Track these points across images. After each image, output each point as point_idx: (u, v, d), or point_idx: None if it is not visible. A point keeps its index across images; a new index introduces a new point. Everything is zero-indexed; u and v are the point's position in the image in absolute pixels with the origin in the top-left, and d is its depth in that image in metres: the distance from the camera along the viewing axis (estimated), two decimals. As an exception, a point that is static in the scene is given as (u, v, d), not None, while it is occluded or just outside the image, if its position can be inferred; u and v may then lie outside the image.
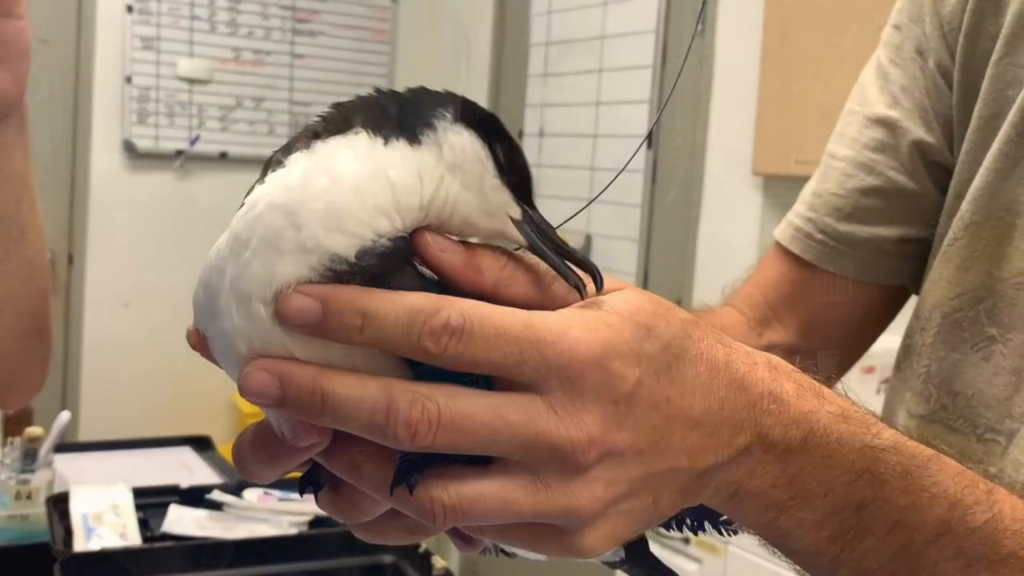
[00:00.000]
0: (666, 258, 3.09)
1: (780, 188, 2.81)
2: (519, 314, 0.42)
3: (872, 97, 0.81)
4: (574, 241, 3.40)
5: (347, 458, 0.43)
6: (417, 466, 0.42)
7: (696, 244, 2.97)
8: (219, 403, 3.85)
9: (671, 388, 0.43)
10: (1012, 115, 0.68)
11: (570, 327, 0.41)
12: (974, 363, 0.68)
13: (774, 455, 0.46)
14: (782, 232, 0.84)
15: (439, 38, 4.13)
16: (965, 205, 0.71)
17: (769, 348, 0.80)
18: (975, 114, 0.72)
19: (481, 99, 3.86)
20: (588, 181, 3.39)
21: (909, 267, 0.81)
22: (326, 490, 0.47)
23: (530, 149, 3.65)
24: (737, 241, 2.85)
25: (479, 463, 0.42)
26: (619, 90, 3.28)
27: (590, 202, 0.73)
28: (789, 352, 0.81)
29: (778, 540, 0.49)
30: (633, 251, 3.21)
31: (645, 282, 3.18)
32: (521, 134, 3.69)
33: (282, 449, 0.43)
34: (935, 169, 0.77)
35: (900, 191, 0.78)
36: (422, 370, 0.42)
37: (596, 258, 3.33)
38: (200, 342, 0.45)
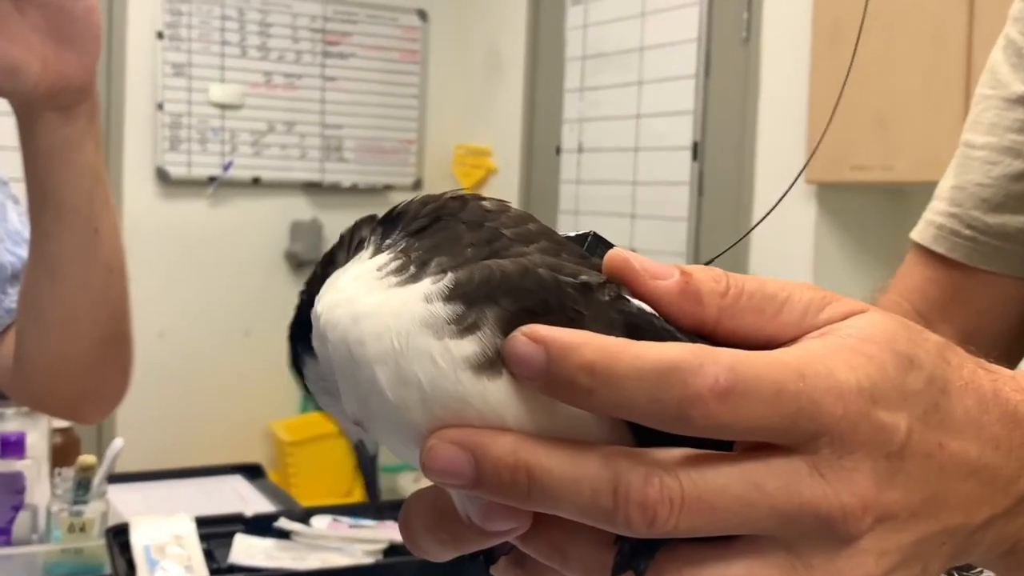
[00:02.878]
0: (715, 272, 3.01)
1: (835, 196, 2.73)
2: (787, 361, 0.33)
3: (1006, 77, 0.74)
4: (617, 257, 3.33)
5: (550, 541, 0.34)
6: (643, 547, 0.33)
7: (748, 258, 2.89)
8: (256, 431, 3.79)
9: (941, 431, 0.35)
10: None
11: (836, 367, 0.33)
12: None
13: None
14: (922, 233, 0.77)
15: (470, 56, 4.08)
16: None
17: None
18: None
19: (515, 116, 3.82)
20: (630, 195, 3.32)
21: None
22: (508, 560, 0.38)
23: (568, 165, 3.59)
24: (792, 253, 2.77)
25: (719, 538, 0.33)
26: (661, 102, 3.22)
27: (746, 233, 0.62)
28: None
29: None
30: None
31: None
32: (559, 150, 3.63)
33: (468, 532, 0.35)
34: None
35: None
36: (642, 432, 0.33)
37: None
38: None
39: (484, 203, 0.37)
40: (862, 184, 2.60)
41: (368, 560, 1.25)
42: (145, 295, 3.79)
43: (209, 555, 1.30)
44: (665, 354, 0.32)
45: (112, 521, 1.47)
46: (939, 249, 0.75)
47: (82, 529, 1.46)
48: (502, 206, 0.38)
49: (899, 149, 2.39)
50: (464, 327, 0.33)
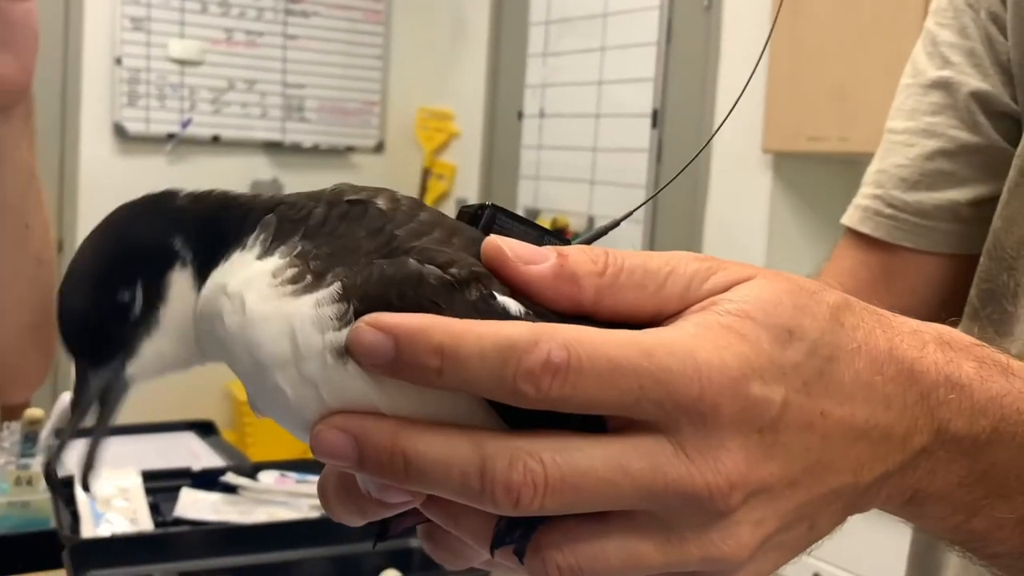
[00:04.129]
0: (672, 240, 3.03)
1: (791, 165, 2.75)
2: (636, 339, 0.34)
3: (923, 65, 0.77)
4: (577, 223, 3.34)
5: (445, 509, 0.36)
6: (522, 522, 0.35)
7: (703, 225, 2.92)
8: (215, 390, 3.78)
9: (825, 399, 0.36)
10: None
11: (698, 347, 0.34)
12: None
13: (959, 451, 0.39)
14: (850, 217, 0.79)
15: (435, 18, 4.05)
16: None
17: None
18: None
19: (478, 80, 3.81)
20: (591, 162, 3.33)
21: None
22: (423, 531, 0.40)
23: (530, 130, 3.59)
24: (747, 221, 2.80)
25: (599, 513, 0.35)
26: (622, 68, 3.22)
27: (626, 215, 0.61)
28: None
29: (972, 544, 0.42)
30: (638, 233, 3.15)
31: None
32: (520, 115, 3.63)
33: (370, 503, 0.37)
34: (999, 120, 0.73)
35: (965, 148, 0.74)
36: (518, 412, 0.35)
37: (599, 240, 3.28)
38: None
39: (379, 204, 0.38)
40: (818, 154, 2.63)
41: (314, 515, 1.26)
42: (101, 252, 3.77)
43: (155, 508, 1.31)
44: (504, 332, 0.33)
45: (61, 475, 1.47)
46: (865, 230, 0.77)
47: (29, 482, 1.45)
48: (395, 204, 0.38)
49: (855, 121, 2.41)
50: (341, 321, 0.34)
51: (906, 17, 2.29)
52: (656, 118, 3.09)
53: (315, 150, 3.93)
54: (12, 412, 1.66)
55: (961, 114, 0.73)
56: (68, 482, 1.34)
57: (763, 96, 2.67)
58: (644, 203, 0.56)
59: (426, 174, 4.05)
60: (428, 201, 3.98)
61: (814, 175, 2.77)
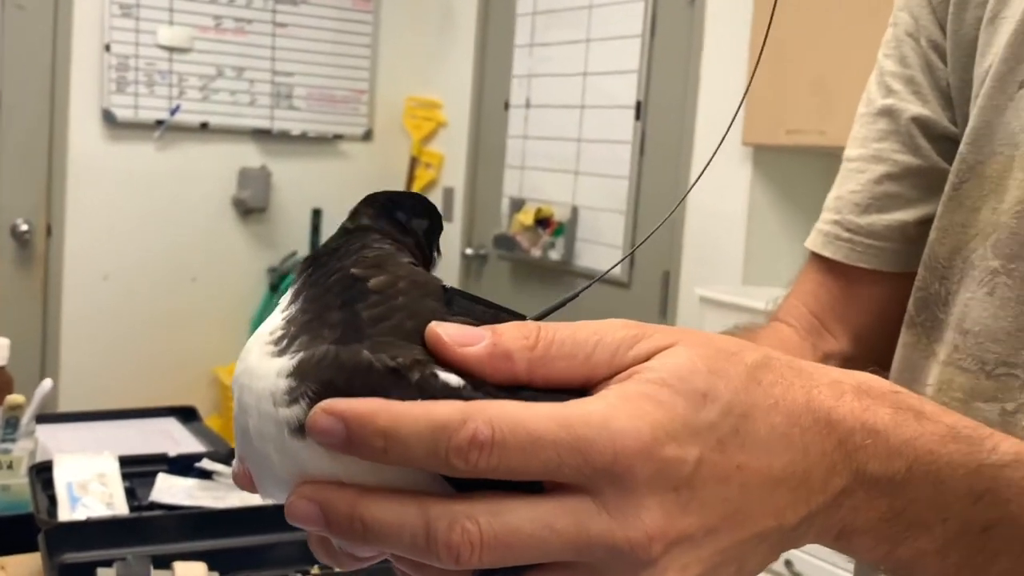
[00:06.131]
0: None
1: (770, 158, 2.79)
2: (556, 412, 0.38)
3: (872, 95, 0.81)
4: (561, 213, 3.37)
5: (412, 563, 0.41)
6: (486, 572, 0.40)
7: (685, 215, 2.95)
8: (201, 375, 3.81)
9: (741, 454, 0.40)
10: (1002, 51, 0.68)
11: (613, 417, 0.38)
12: (980, 299, 0.67)
13: (878, 490, 0.42)
14: (812, 241, 0.83)
15: (423, 8, 4.07)
16: (964, 148, 0.70)
17: (825, 359, 0.77)
18: (975, 78, 0.71)
19: (466, 70, 3.83)
20: (575, 152, 3.36)
21: None
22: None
23: (516, 120, 3.61)
24: (726, 212, 2.83)
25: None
26: (607, 60, 3.25)
27: (633, 248, 0.64)
28: (844, 361, 0.78)
29: (900, 572, 0.46)
30: (620, 223, 3.18)
31: (633, 253, 3.16)
32: (507, 105, 3.66)
33: (345, 556, 0.42)
34: (939, 142, 0.77)
35: (909, 171, 0.78)
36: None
37: (582, 231, 3.31)
38: (245, 477, 0.43)
39: (373, 282, 0.42)
40: (796, 147, 2.66)
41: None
42: (90, 237, 3.78)
43: (131, 493, 1.34)
44: (436, 413, 0.37)
45: (41, 459, 1.50)
46: (825, 253, 0.81)
47: (10, 467, 1.48)
48: (386, 284, 0.42)
49: (833, 115, 2.45)
50: (292, 399, 0.39)
51: (884, 13, 2.31)
52: (639, 110, 3.12)
53: (303, 138, 3.95)
54: (-4, 398, 1.69)
55: (904, 139, 0.77)
56: (47, 467, 1.38)
57: (743, 90, 2.70)
58: (617, 264, 0.60)
59: (414, 163, 4.07)
60: (416, 189, 4.02)
61: (792, 167, 2.80)
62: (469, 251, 3.88)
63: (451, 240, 3.94)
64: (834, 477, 0.41)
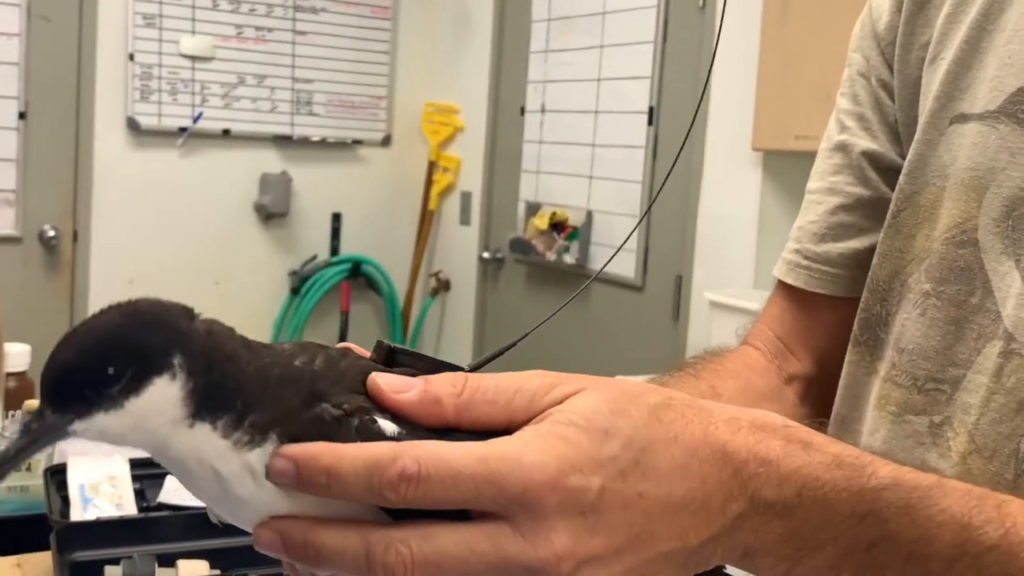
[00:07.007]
0: (666, 234, 3.10)
1: (779, 163, 2.81)
2: (475, 450, 0.44)
3: (831, 131, 0.86)
4: (575, 217, 3.41)
5: None
6: None
7: (696, 220, 2.98)
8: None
9: (642, 482, 0.45)
10: (936, 89, 0.72)
11: (524, 452, 0.44)
12: (914, 320, 0.71)
13: (773, 514, 0.47)
14: (777, 269, 0.89)
15: (440, 15, 4.12)
16: (903, 179, 0.75)
17: (790, 380, 0.83)
18: (920, 114, 0.76)
19: (482, 76, 3.88)
20: (590, 157, 3.40)
21: None
22: None
23: (531, 125, 3.65)
24: (737, 214, 2.86)
25: None
26: (620, 66, 3.28)
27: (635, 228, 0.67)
28: (807, 381, 0.83)
29: None
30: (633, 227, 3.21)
31: (646, 257, 3.19)
32: (523, 110, 3.70)
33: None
34: (887, 174, 0.81)
35: (860, 202, 0.82)
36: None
37: (596, 235, 3.34)
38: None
39: (315, 367, 0.48)
40: (805, 152, 2.68)
41: (287, 502, 1.34)
42: (116, 243, 3.85)
43: (140, 494, 1.39)
44: (371, 453, 0.44)
45: (59, 461, 1.56)
46: (788, 280, 0.86)
47: (28, 469, 1.54)
48: (328, 362, 0.49)
49: (840, 120, 2.46)
50: (252, 449, 0.46)
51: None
52: (652, 115, 3.15)
53: (323, 143, 4.01)
54: (14, 403, 1.75)
55: (856, 172, 0.82)
56: (61, 469, 1.43)
57: (753, 97, 2.73)
58: (581, 290, 0.65)
59: (432, 167, 4.12)
60: (434, 193, 4.06)
61: (801, 172, 2.80)
62: (486, 255, 3.92)
63: (468, 244, 3.98)
64: (731, 503, 0.46)
